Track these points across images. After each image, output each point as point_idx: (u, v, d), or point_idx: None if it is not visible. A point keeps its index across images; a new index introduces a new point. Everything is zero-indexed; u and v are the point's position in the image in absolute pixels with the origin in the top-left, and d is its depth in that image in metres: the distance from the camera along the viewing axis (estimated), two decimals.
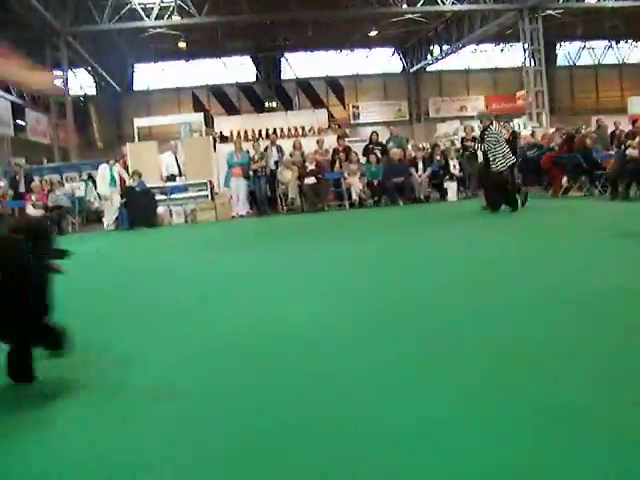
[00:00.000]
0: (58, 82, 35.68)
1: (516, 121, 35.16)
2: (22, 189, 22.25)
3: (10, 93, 36.80)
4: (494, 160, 14.82)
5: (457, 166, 22.48)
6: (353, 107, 53.41)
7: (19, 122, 37.23)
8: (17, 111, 36.74)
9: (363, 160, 23.00)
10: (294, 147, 23.05)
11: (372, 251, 9.63)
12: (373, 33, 46.74)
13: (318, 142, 23.76)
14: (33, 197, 21.61)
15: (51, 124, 36.56)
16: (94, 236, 19.45)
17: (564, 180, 19.57)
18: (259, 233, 15.88)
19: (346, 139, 25.87)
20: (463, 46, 46.44)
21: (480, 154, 15.91)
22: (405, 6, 38.29)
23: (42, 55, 35.95)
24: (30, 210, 20.95)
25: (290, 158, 22.27)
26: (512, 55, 52.92)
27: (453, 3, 37.33)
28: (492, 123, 15.43)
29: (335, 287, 6.70)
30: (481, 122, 15.96)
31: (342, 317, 5.11)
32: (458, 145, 25.79)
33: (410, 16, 42.55)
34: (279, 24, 42.91)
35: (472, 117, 49.12)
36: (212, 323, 5.32)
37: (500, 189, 14.92)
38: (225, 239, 15.08)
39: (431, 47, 50.31)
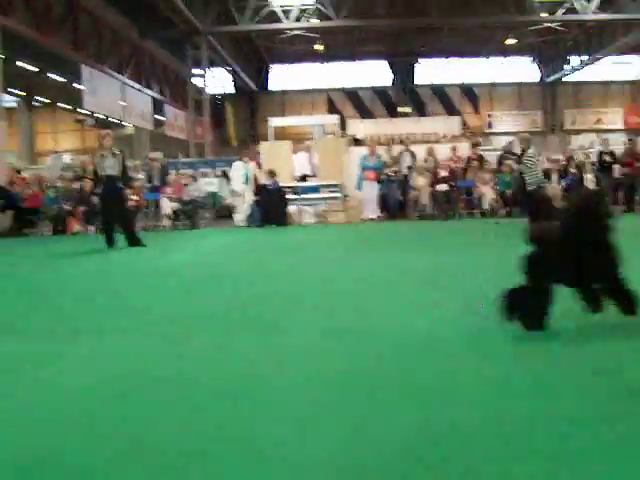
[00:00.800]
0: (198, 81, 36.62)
1: None
2: (158, 182, 22.79)
3: (152, 89, 37.90)
4: (530, 181, 15.92)
5: (593, 180, 21.92)
6: (488, 115, 52.84)
7: (158, 117, 38.29)
8: (157, 106, 37.80)
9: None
10: (427, 153, 22.96)
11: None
12: (510, 41, 46.09)
13: (452, 149, 23.59)
14: (168, 190, 22.12)
15: (188, 120, 37.43)
16: (229, 231, 19.80)
17: None
18: (389, 237, 15.83)
19: (479, 147, 25.63)
20: (603, 57, 45.25)
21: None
22: (544, 14, 37.57)
23: (183, 54, 36.93)
24: (165, 203, 21.49)
25: (423, 164, 22.17)
26: None
27: (595, 12, 36.33)
28: (530, 147, 16.52)
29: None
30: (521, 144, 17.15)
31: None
32: (594, 159, 25.17)
33: (549, 25, 41.77)
34: (416, 29, 42.82)
35: (609, 130, 48.41)
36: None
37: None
38: (357, 241, 15.08)
39: (569, 57, 49.26)
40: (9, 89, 36.35)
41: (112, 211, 13.95)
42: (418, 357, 4.11)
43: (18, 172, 24.94)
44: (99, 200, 14.79)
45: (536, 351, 4.15)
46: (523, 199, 17.01)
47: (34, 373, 4.02)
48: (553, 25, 41.91)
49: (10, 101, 40.66)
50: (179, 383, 3.66)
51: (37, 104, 46.84)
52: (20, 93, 42.88)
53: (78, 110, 42.16)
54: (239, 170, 21.38)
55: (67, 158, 39.90)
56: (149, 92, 37.40)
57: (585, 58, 46.25)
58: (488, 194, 21.72)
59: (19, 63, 32.88)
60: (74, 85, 36.10)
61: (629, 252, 4.81)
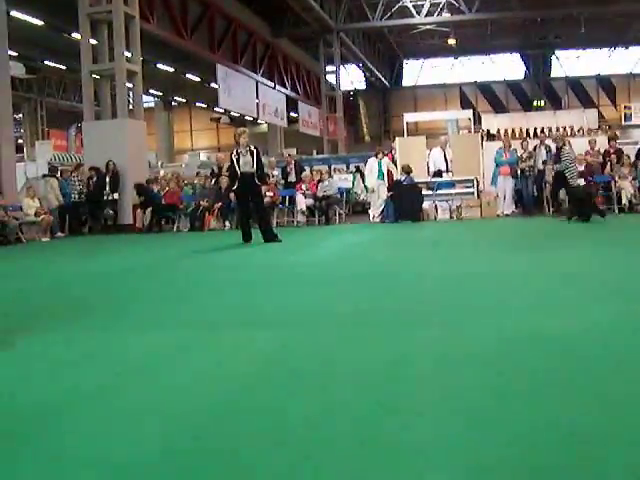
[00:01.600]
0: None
1: None
2: (293, 179, 23.12)
3: (285, 87, 38.46)
4: (572, 177, 17.05)
5: None
6: (625, 108, 51.41)
7: (292, 114, 38.81)
8: (290, 104, 38.33)
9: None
10: (562, 142, 22.54)
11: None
12: None
13: (590, 143, 23.08)
14: (303, 186, 22.40)
15: (322, 117, 37.81)
16: (364, 227, 19.94)
17: None
18: (525, 234, 15.62)
19: (617, 141, 25.02)
20: None
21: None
22: None
23: (316, 51, 37.35)
24: (300, 199, 21.78)
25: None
26: None
27: None
28: (565, 144, 17.43)
29: None
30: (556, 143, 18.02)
31: None
32: None
33: None
34: (550, 20, 42.17)
35: None
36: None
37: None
38: (498, 238, 14.92)
39: None
40: (149, 90, 37.55)
41: (248, 207, 14.33)
42: None
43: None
44: (235, 197, 15.09)
45: None
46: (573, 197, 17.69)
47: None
48: None
49: (149, 101, 41.98)
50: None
51: (174, 103, 48.15)
52: (158, 93, 44.15)
53: (214, 109, 43.17)
54: (373, 166, 21.46)
55: (204, 156, 40.95)
56: (283, 90, 37.96)
57: None
58: (627, 189, 21.18)
59: (158, 65, 33.93)
60: (210, 84, 37.01)
61: None
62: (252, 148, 14.10)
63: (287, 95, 38.29)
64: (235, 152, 14.06)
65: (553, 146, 22.59)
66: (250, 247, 13.37)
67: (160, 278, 9.07)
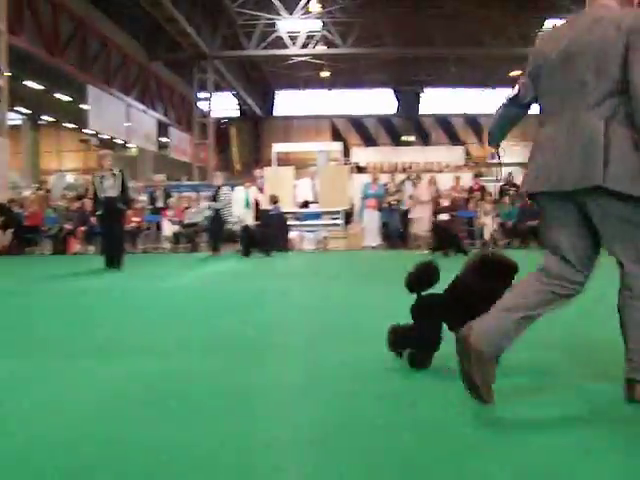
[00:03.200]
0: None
1: None
2: (160, 204, 22.86)
3: (157, 111, 38.06)
4: None
5: None
6: None
7: (163, 139, 38.42)
8: (162, 129, 37.94)
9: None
10: (429, 183, 23.00)
11: None
12: (515, 73, 46.27)
13: (455, 179, 23.61)
14: (169, 213, 22.18)
15: (193, 143, 37.56)
16: (228, 256, 19.79)
17: None
18: (383, 266, 15.78)
19: (482, 178, 25.71)
20: None
21: None
22: None
23: (190, 77, 37.16)
24: (166, 225, 21.52)
25: (425, 194, 22.20)
26: None
27: None
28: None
29: None
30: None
31: None
32: None
33: None
34: (422, 59, 43.11)
35: None
36: None
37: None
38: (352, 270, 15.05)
39: None
40: (15, 107, 36.50)
41: (113, 232, 13.89)
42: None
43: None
44: (99, 221, 14.48)
45: None
46: None
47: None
48: None
49: (16, 119, 40.78)
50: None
51: (43, 122, 46.96)
52: (26, 111, 42.99)
53: (83, 130, 42.34)
54: (240, 195, 21.40)
55: (70, 177, 40.01)
56: (154, 114, 37.54)
57: None
58: (489, 225, 21.75)
59: (26, 82, 33.04)
60: (80, 105, 36.30)
61: None
62: (117, 172, 13.78)
63: (159, 120, 37.89)
64: (98, 176, 13.77)
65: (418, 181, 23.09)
66: (111, 273, 13.08)
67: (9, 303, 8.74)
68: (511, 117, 4.37)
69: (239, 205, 21.34)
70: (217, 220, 19.34)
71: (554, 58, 3.76)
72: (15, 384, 4.23)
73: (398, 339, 4.44)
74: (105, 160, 14.01)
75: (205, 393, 3.90)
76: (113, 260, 13.67)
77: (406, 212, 22.16)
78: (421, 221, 21.33)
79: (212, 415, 3.48)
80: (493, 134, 4.45)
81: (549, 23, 36.31)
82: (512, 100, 4.19)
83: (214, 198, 19.18)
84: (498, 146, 4.54)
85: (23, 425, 3.36)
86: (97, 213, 13.98)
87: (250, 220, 21.01)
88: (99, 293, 9.92)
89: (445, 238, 17.71)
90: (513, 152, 52.27)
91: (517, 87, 4.13)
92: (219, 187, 19.27)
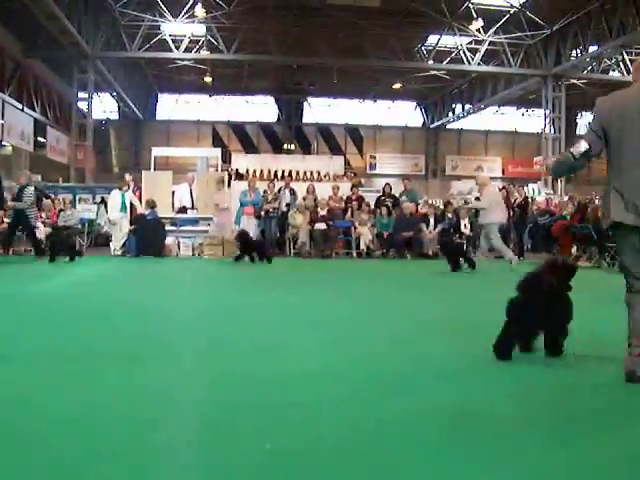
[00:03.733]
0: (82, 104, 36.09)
1: (531, 186, 35.20)
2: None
3: (34, 110, 37.13)
4: None
5: (468, 225, 22.53)
6: (370, 157, 53.75)
7: (40, 139, 37.50)
8: (39, 128, 37.02)
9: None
10: (307, 191, 23.17)
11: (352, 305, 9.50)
12: (397, 85, 47.16)
13: (333, 189, 23.81)
14: (43, 215, 21.70)
15: (71, 144, 36.78)
16: (103, 259, 19.50)
17: (574, 249, 19.68)
18: (257, 275, 15.84)
19: (360, 188, 26.02)
20: (485, 107, 47.11)
21: None
22: (431, 62, 38.66)
23: (70, 76, 36.38)
24: (40, 227, 21.02)
25: (303, 202, 22.36)
26: (532, 120, 53.34)
27: (479, 64, 37.66)
28: None
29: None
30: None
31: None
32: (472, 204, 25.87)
33: (435, 72, 42.99)
34: (305, 68, 43.47)
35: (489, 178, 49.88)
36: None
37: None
38: (223, 277, 15.06)
39: (453, 105, 50.76)
40: None
41: None
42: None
43: None
44: None
45: None
46: None
47: None
48: (439, 73, 43.19)
49: None
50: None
51: None
52: None
53: None
54: (116, 198, 21.11)
55: None
56: (31, 113, 36.61)
57: (467, 107, 47.76)
58: (366, 235, 22.04)
59: None
60: None
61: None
62: None
63: (36, 119, 36.97)
64: None
65: (300, 189, 23.29)
66: None
67: None
68: (577, 167, 5.48)
69: (115, 208, 21.07)
70: (17, 219, 18.49)
71: (633, 115, 4.78)
72: None
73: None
74: None
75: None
76: None
77: (284, 219, 22.28)
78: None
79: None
80: (557, 174, 6.22)
81: (432, 39, 37.16)
82: (583, 155, 5.10)
83: (18, 198, 18.40)
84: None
85: None
86: None
87: (126, 224, 20.79)
88: None
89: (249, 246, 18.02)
90: (393, 164, 53.40)
91: (584, 143, 5.08)
92: (23, 187, 18.57)
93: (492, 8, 33.22)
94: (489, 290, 11.30)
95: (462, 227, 22.51)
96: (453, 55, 38.02)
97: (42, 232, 20.88)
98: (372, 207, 23.31)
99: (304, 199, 22.68)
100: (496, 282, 12.17)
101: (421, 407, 4.06)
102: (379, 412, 3.93)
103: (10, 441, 3.25)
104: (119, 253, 20.80)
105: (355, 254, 21.98)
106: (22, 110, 35.25)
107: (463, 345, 6.16)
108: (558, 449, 3.38)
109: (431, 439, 3.49)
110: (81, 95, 35.96)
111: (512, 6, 32.81)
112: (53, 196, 24.73)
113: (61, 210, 22.07)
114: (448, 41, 37.43)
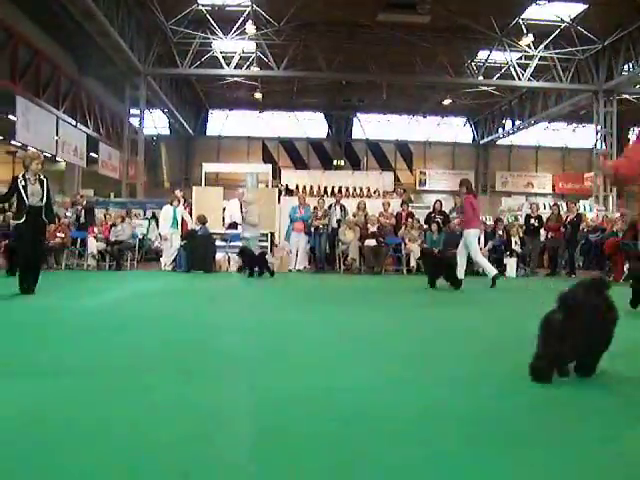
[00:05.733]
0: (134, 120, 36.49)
1: (582, 202, 34.80)
2: (85, 220, 22.47)
3: (87, 126, 37.64)
4: None
5: (519, 242, 22.35)
6: (420, 173, 53.63)
7: (92, 155, 37.96)
8: (91, 144, 37.48)
9: (425, 227, 22.95)
10: (358, 208, 23.14)
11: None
12: (447, 101, 47.08)
13: (384, 205, 23.77)
14: (95, 230, 21.92)
15: (122, 160, 37.18)
16: (153, 275, 19.63)
17: (626, 267, 19.39)
18: (310, 290, 15.82)
19: (410, 204, 25.93)
20: (535, 122, 46.61)
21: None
22: (481, 78, 38.50)
23: (122, 92, 36.83)
24: (91, 242, 21.25)
25: (353, 218, 22.31)
26: (584, 135, 52.84)
27: (529, 79, 37.42)
28: None
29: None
30: None
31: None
32: (522, 221, 25.68)
33: (485, 88, 42.84)
34: (354, 84, 43.59)
35: (538, 194, 49.61)
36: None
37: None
38: (277, 293, 15.03)
39: (503, 120, 50.47)
40: None
41: (33, 248, 11.98)
42: None
43: None
44: (18, 233, 12.34)
45: None
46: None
47: None
48: (489, 89, 43.01)
49: None
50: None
51: None
52: None
53: (10, 142, 41.61)
54: (168, 214, 21.25)
55: None
56: (84, 129, 37.11)
57: (518, 122, 47.43)
58: (416, 251, 21.92)
59: None
60: (7, 116, 35.65)
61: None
62: (42, 177, 11.91)
63: (88, 135, 37.46)
64: (22, 177, 11.75)
65: (349, 205, 23.30)
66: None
67: None
68: None
69: (166, 224, 21.21)
70: None
71: None
72: None
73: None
74: (34, 162, 11.85)
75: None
76: (29, 280, 11.81)
77: (334, 236, 22.26)
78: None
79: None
80: None
81: (482, 55, 37.00)
82: None
83: None
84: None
85: None
86: (18, 222, 11.91)
87: (177, 239, 20.92)
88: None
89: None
90: (443, 180, 53.23)
91: None
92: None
93: (542, 23, 32.99)
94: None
95: (513, 244, 22.33)
96: (503, 71, 37.81)
97: (94, 246, 21.14)
98: (422, 224, 23.19)
99: (354, 215, 22.64)
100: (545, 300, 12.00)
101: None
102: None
103: (55, 462, 3.22)
104: (169, 268, 20.91)
105: (405, 271, 21.87)
106: (75, 126, 35.77)
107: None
108: None
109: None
110: (133, 111, 36.37)
111: (563, 21, 32.53)
112: (105, 211, 25.00)
113: (113, 225, 22.26)
114: (498, 56, 37.25)
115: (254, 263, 18.47)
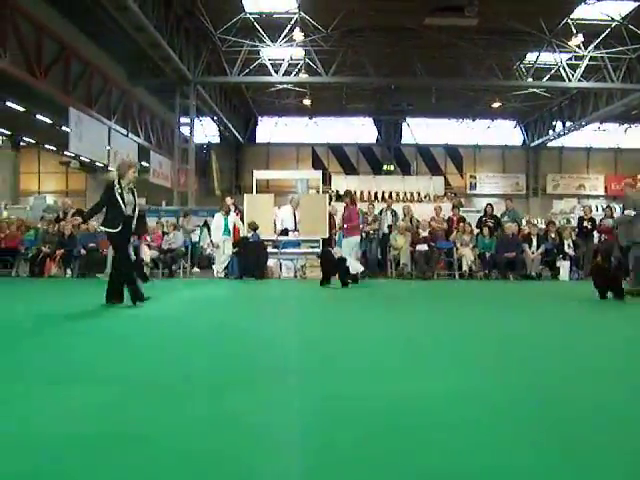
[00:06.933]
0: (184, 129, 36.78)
1: None
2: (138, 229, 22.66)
3: (138, 135, 38.04)
4: None
5: (572, 245, 22.11)
6: (470, 177, 53.33)
7: (143, 163, 38.34)
8: (142, 153, 37.86)
9: (476, 231, 22.84)
10: (404, 212, 23.08)
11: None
12: (496, 104, 46.72)
13: (436, 209, 23.71)
14: (148, 238, 22.10)
15: (173, 168, 37.47)
16: (206, 282, 19.76)
17: None
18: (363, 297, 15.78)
19: (461, 209, 25.80)
20: (586, 124, 46.11)
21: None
22: (530, 80, 38.14)
23: (172, 101, 37.17)
24: (144, 250, 21.44)
25: (404, 224, 22.25)
26: (636, 135, 52.17)
27: (579, 80, 37.00)
28: None
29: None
30: None
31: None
32: (574, 224, 25.42)
33: (534, 90, 42.45)
34: (403, 89, 43.44)
35: (591, 196, 49.03)
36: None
37: None
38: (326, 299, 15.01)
39: (553, 122, 49.97)
40: None
41: (129, 259, 11.85)
42: None
43: None
44: (114, 244, 11.65)
45: None
46: None
47: None
48: (538, 91, 42.62)
49: None
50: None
51: (23, 144, 46.74)
52: (5, 132, 42.78)
53: (64, 153, 42.19)
54: (220, 221, 21.38)
55: (50, 199, 39.85)
56: (135, 138, 37.52)
57: (568, 124, 46.93)
58: (468, 256, 21.82)
59: (7, 103, 32.87)
60: (61, 127, 36.16)
61: None
62: (133, 187, 11.54)
63: (139, 144, 37.85)
64: (118, 185, 11.24)
65: (400, 210, 23.25)
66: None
67: None
68: None
69: (218, 231, 21.33)
70: None
71: None
72: None
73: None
74: (131, 170, 11.44)
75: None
76: (121, 291, 11.46)
77: (386, 240, 22.23)
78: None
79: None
80: None
81: (531, 57, 36.68)
82: None
83: None
84: None
85: None
86: (114, 230, 11.21)
87: (229, 246, 21.03)
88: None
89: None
90: (493, 184, 52.90)
91: None
92: None
93: (592, 23, 32.58)
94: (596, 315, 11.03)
95: (566, 247, 22.11)
96: (552, 72, 37.40)
97: (147, 255, 21.32)
98: (474, 227, 23.08)
99: (403, 220, 22.61)
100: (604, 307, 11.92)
101: None
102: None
103: None
104: (222, 275, 21.04)
105: (457, 275, 21.77)
106: (127, 136, 36.19)
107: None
108: None
109: None
110: (183, 120, 36.64)
111: (613, 20, 32.10)
112: (157, 219, 25.19)
113: (165, 233, 22.44)
114: (547, 58, 36.83)
115: (334, 270, 17.39)
